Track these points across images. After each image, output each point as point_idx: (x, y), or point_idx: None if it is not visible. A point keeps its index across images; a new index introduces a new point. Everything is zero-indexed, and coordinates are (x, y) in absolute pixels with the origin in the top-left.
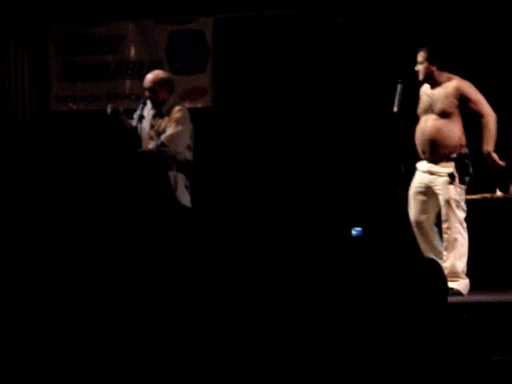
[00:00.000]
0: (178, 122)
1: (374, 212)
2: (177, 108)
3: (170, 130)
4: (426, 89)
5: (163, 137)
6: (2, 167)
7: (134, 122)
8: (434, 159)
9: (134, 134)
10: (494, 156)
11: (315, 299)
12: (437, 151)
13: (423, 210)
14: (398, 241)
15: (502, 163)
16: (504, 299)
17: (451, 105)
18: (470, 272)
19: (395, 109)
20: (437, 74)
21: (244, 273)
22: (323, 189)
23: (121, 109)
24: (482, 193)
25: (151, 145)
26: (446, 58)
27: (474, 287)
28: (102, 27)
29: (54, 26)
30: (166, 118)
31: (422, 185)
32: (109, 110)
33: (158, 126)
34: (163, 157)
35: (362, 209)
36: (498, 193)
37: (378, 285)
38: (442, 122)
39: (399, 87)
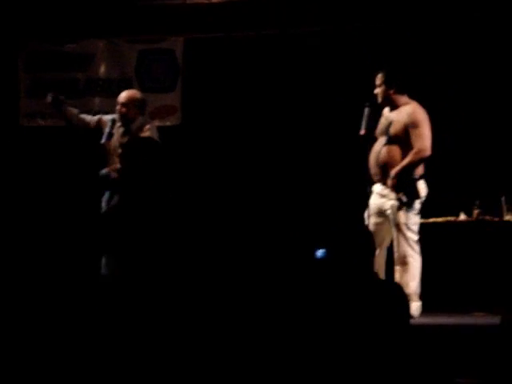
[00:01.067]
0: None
1: (338, 233)
2: (146, 127)
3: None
4: (385, 111)
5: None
6: None
7: (103, 140)
8: (384, 182)
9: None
10: (394, 180)
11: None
12: (387, 174)
13: (378, 230)
14: (360, 263)
15: (399, 194)
16: (456, 322)
17: (403, 129)
18: (430, 295)
19: (362, 131)
20: (394, 97)
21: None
22: (289, 206)
23: (61, 97)
24: (446, 216)
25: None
26: (404, 81)
27: (435, 309)
28: (73, 45)
29: (23, 42)
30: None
31: (376, 207)
32: (49, 99)
33: None
34: None
35: (326, 229)
36: (462, 216)
37: (339, 307)
38: (393, 146)
39: (366, 110)
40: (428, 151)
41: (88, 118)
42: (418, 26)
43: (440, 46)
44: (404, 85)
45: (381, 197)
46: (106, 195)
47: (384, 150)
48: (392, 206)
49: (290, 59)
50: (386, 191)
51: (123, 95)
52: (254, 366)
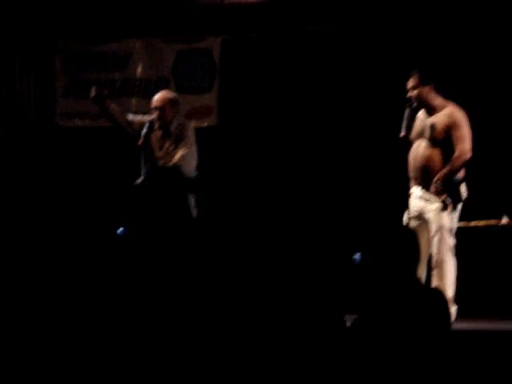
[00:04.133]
0: (188, 142)
1: (376, 237)
2: (185, 127)
3: (182, 151)
4: (421, 114)
5: (177, 158)
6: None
7: (140, 141)
8: (426, 185)
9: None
10: (439, 187)
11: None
12: (428, 178)
13: (420, 234)
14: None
15: (442, 197)
16: (496, 327)
17: (443, 132)
18: (470, 299)
19: (402, 133)
20: (430, 97)
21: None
22: (327, 209)
23: (106, 91)
24: (489, 219)
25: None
26: (440, 78)
27: (475, 315)
28: (110, 45)
29: (61, 43)
30: (174, 138)
31: (417, 210)
32: (93, 94)
33: (168, 147)
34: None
35: (363, 233)
36: (505, 219)
37: (380, 313)
38: (433, 149)
39: (407, 111)
40: (469, 153)
41: (131, 116)
42: (451, 24)
43: (477, 45)
44: (440, 82)
45: (422, 200)
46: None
47: (424, 153)
48: (434, 210)
49: (327, 58)
50: (428, 195)
51: (157, 98)
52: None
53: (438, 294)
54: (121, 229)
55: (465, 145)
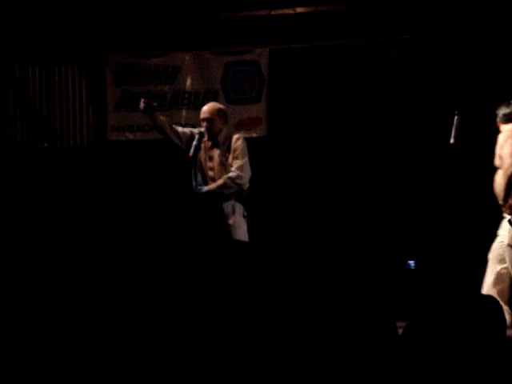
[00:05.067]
0: (242, 152)
1: (429, 245)
2: (236, 137)
3: (238, 162)
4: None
5: (235, 168)
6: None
7: (190, 153)
8: (502, 205)
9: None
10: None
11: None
12: (500, 198)
13: (495, 246)
14: (453, 275)
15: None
16: None
17: (497, 155)
18: None
19: (452, 140)
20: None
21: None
22: (378, 219)
23: (155, 103)
24: None
25: (222, 180)
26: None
27: None
28: (159, 58)
29: (111, 56)
30: (226, 149)
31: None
32: (142, 106)
33: (222, 157)
34: (235, 189)
35: (416, 241)
36: None
37: (433, 319)
38: (497, 173)
39: (456, 119)
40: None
41: (180, 129)
42: None
43: None
44: None
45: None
46: None
47: (495, 177)
48: (506, 227)
49: (375, 68)
50: (504, 214)
51: (205, 110)
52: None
53: (493, 301)
54: None
55: (505, 161)
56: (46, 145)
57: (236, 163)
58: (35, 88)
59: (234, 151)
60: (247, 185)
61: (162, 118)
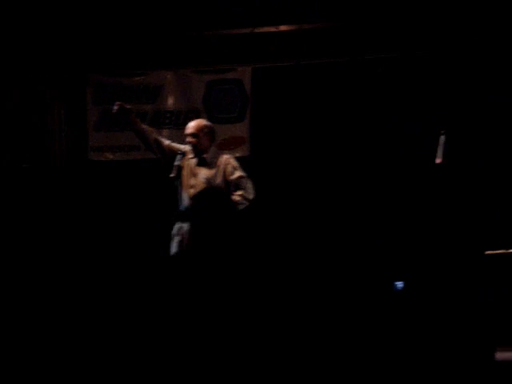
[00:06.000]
0: (239, 169)
1: (417, 265)
2: (226, 157)
3: (244, 181)
4: None
5: (246, 188)
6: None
7: (172, 174)
8: None
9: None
10: None
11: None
12: None
13: None
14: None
15: None
16: None
17: None
18: None
19: (438, 160)
20: None
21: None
22: (363, 240)
23: (128, 106)
24: None
25: (238, 197)
26: None
27: None
28: (140, 77)
29: (91, 76)
30: (215, 168)
31: None
32: (115, 109)
33: (208, 176)
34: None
35: (402, 262)
36: None
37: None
38: None
39: (442, 138)
40: None
41: (167, 142)
42: None
43: None
44: None
45: None
46: (177, 226)
47: None
48: None
49: (359, 86)
50: None
51: (191, 125)
52: None
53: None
54: None
55: None
56: (24, 165)
57: (241, 183)
58: (14, 108)
59: (231, 169)
60: (252, 196)
61: (145, 126)
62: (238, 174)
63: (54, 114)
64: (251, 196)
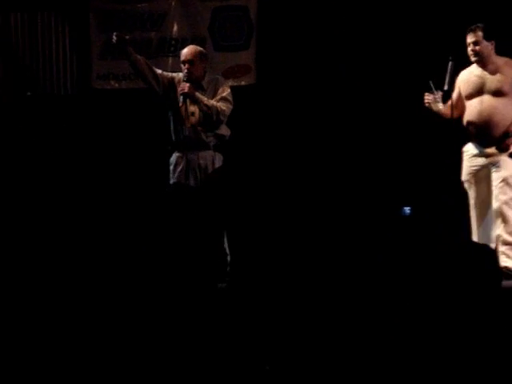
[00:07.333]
0: (227, 98)
1: (423, 192)
2: (219, 82)
3: (223, 105)
4: (473, 70)
5: (217, 104)
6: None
7: (180, 103)
8: (493, 140)
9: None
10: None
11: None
12: (496, 131)
13: (479, 192)
14: (449, 223)
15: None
16: None
17: (506, 83)
18: None
19: (445, 87)
20: (492, 52)
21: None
22: (367, 168)
23: (127, 36)
24: None
25: (212, 103)
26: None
27: None
28: (145, 4)
29: (95, 2)
30: (210, 93)
31: (476, 167)
32: (114, 39)
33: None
34: (213, 119)
35: (410, 189)
36: None
37: (430, 270)
38: (498, 102)
39: (450, 65)
40: None
41: (159, 71)
42: None
43: None
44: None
45: (485, 155)
46: (174, 157)
47: (489, 107)
48: (503, 161)
49: (366, 18)
50: (492, 149)
51: (186, 52)
52: None
53: (488, 249)
54: None
55: None
56: (28, 93)
57: (219, 104)
58: (17, 35)
59: (221, 93)
60: (220, 126)
61: (138, 56)
62: (223, 94)
63: (57, 41)
64: (216, 117)
